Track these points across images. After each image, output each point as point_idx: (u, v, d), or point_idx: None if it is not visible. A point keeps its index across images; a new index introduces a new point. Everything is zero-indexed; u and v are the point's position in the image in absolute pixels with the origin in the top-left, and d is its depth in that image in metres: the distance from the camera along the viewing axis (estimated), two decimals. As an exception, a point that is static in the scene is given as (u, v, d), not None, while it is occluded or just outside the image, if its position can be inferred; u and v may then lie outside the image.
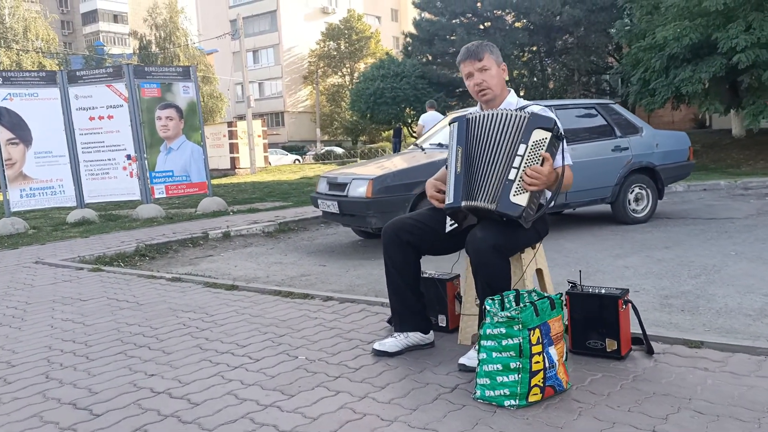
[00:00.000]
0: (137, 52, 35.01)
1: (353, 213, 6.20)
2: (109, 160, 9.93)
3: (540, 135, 2.52)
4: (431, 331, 2.94)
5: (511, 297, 2.38)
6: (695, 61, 13.34)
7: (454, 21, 21.52)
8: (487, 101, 2.82)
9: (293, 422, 2.18)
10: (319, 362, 2.81)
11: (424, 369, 2.65)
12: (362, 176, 6.22)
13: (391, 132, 27.08)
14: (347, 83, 48.07)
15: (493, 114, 2.64)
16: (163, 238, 7.20)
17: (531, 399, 2.17)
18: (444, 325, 3.16)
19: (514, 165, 2.52)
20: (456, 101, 22.22)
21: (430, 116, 12.03)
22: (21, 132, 9.43)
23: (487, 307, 2.24)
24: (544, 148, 2.52)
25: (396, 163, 6.53)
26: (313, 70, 48.02)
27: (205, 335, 3.34)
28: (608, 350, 2.60)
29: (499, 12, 21.27)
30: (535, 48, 22.19)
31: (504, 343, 2.17)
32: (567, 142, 2.72)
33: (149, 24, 35.37)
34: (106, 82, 9.74)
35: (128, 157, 9.94)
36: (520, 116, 2.57)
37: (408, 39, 22.82)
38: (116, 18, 61.06)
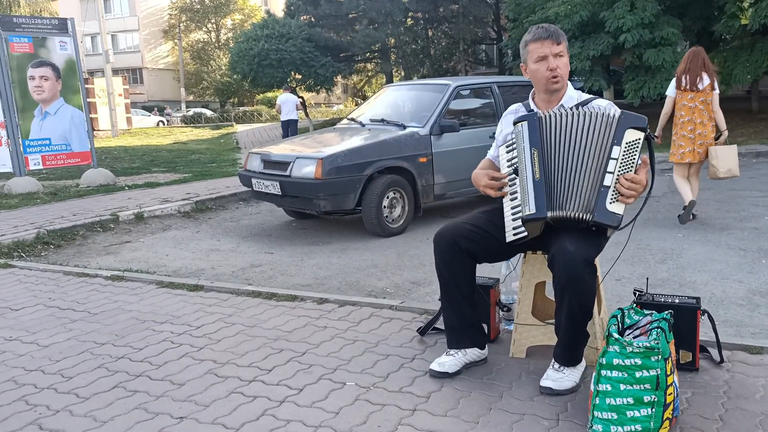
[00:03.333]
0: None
1: (298, 195, 5.72)
2: (-28, 125, 8.44)
3: (633, 135, 2.30)
4: (486, 345, 2.70)
5: (619, 319, 2.19)
6: (582, 38, 14.00)
7: (339, -20, 20.89)
8: (555, 91, 2.56)
9: (411, 481, 1.86)
10: (376, 389, 2.46)
11: (502, 393, 2.40)
12: (308, 155, 5.74)
13: (271, 95, 25.88)
14: (213, 40, 45.33)
15: (575, 113, 2.37)
16: (63, 221, 6.22)
17: (661, 432, 2.01)
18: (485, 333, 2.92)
19: (608, 170, 2.29)
20: (344, 65, 21.71)
21: (285, 97, 15.43)
22: None
23: (614, 335, 2.03)
24: (638, 149, 2.32)
25: (343, 141, 6.10)
26: (174, 24, 44.62)
27: (208, 356, 2.83)
28: (682, 362, 2.52)
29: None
30: (419, 15, 22.17)
31: (638, 375, 1.98)
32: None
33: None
34: (-36, 33, 8.19)
35: (-4, 122, 8.51)
36: (610, 114, 2.34)
37: (291, -3, 21.82)
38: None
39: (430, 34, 23.78)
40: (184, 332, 3.15)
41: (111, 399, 2.43)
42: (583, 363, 2.48)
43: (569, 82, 2.66)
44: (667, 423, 2.02)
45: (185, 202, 7.24)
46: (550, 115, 2.41)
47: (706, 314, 2.55)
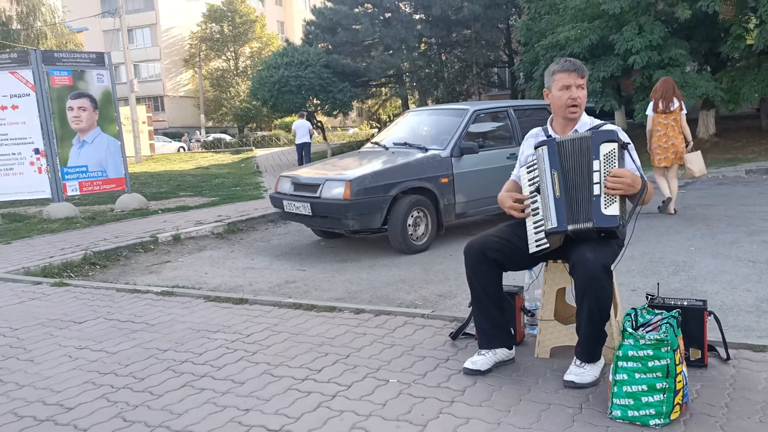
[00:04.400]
0: (-6, 28, 31.37)
1: (328, 215, 6.06)
2: (14, 154, 8.95)
3: (607, 147, 2.65)
4: (513, 347, 2.99)
5: (632, 317, 2.48)
6: (593, 61, 14.34)
7: (356, 10, 21.45)
8: (572, 119, 2.88)
9: (454, 457, 2.15)
10: (417, 385, 2.76)
11: (530, 387, 2.69)
12: (337, 178, 6.09)
13: (289, 120, 26.49)
14: (232, 67, 46.33)
15: (574, 138, 2.73)
16: (106, 243, 6.61)
17: (673, 416, 2.28)
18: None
19: (594, 181, 2.63)
20: (360, 90, 22.24)
21: (300, 123, 17.33)
22: None
23: (629, 330, 2.32)
24: (615, 157, 2.64)
25: (369, 163, 6.45)
26: (195, 53, 45.74)
27: (262, 359, 3.15)
28: (692, 359, 2.79)
29: (402, 4, 21.50)
30: (433, 40, 22.68)
31: (650, 364, 2.26)
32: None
33: (9, -3, 31.79)
34: (9, 69, 8.73)
35: (36, 151, 9.00)
36: (586, 136, 2.69)
37: (310, 27, 22.43)
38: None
39: (443, 58, 24.27)
40: (236, 339, 3.48)
41: (182, 396, 2.75)
42: (602, 360, 2.76)
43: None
44: (677, 408, 2.29)
45: (218, 224, 7.62)
46: (565, 140, 2.74)
47: (712, 315, 2.83)
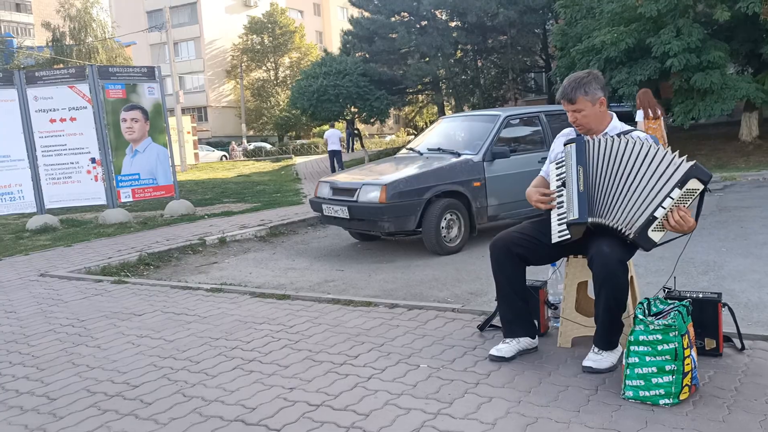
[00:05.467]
0: (50, 44, 32.89)
1: (365, 218, 6.35)
2: (72, 163, 9.51)
3: (695, 185, 2.68)
4: (536, 337, 3.20)
5: (644, 306, 2.66)
6: (629, 64, 14.32)
7: (392, 19, 21.83)
8: (584, 133, 3.08)
9: (477, 428, 2.38)
10: (445, 369, 3.00)
11: (551, 372, 2.89)
12: (373, 182, 6.37)
13: (325, 128, 27.09)
14: (272, 77, 47.33)
15: (622, 140, 2.83)
16: (159, 246, 7.04)
17: (682, 397, 2.46)
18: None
19: (663, 205, 2.69)
20: (397, 97, 22.61)
21: (331, 132, 18.97)
22: (-24, 135, 8.87)
23: (639, 316, 2.52)
24: (693, 197, 2.71)
25: (404, 168, 6.72)
26: (236, 64, 46.94)
27: (304, 347, 3.43)
28: (707, 348, 2.95)
29: (438, 11, 21.77)
30: (469, 47, 22.87)
31: (660, 348, 2.45)
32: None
33: (62, 15, 33.34)
34: (68, 83, 9.31)
35: (93, 160, 9.55)
36: (676, 159, 2.71)
37: (348, 36, 22.91)
38: (18, 7, 56.91)
39: (479, 64, 24.41)
40: (280, 330, 3.77)
41: (233, 376, 3.06)
42: (620, 348, 2.94)
43: (612, 113, 3.17)
44: (686, 389, 2.47)
45: (261, 227, 7.99)
46: (594, 140, 2.94)
47: (726, 307, 2.98)
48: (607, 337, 2.90)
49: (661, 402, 2.45)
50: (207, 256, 6.92)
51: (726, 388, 2.60)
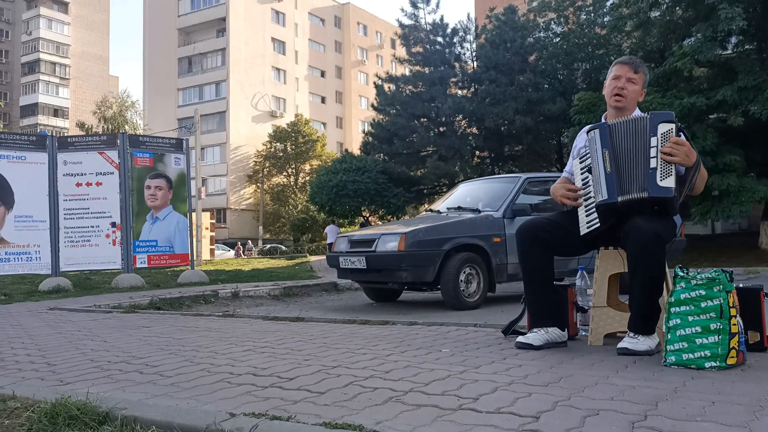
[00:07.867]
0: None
1: (382, 268, 6.24)
2: (92, 227, 9.60)
3: (665, 127, 2.79)
4: (566, 329, 3.01)
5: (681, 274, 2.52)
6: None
7: (412, 122, 22.72)
8: (616, 108, 3.07)
9: (506, 380, 2.19)
10: (468, 351, 2.81)
11: (583, 354, 2.70)
12: (392, 232, 6.33)
13: (342, 230, 27.40)
14: (292, 183, 48.65)
15: (628, 120, 2.90)
16: (171, 295, 6.93)
17: (729, 362, 2.26)
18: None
19: (651, 155, 2.76)
20: (414, 195, 23.03)
21: (331, 228, 21.60)
22: (3, 194, 9.07)
23: (680, 274, 2.37)
24: (673, 135, 2.77)
25: (422, 222, 6.69)
26: (259, 169, 48.50)
27: (322, 343, 3.26)
28: (751, 342, 2.74)
29: (456, 117, 22.67)
30: (485, 153, 23.54)
31: (703, 305, 2.29)
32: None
33: (98, 116, 35.23)
34: (98, 149, 9.63)
35: (113, 224, 9.65)
36: (644, 117, 2.87)
37: (368, 137, 23.78)
38: (56, 112, 60.43)
39: (496, 170, 24.97)
40: (297, 338, 3.60)
41: (246, 356, 2.89)
42: (656, 336, 2.75)
43: (637, 109, 3.19)
44: (733, 353, 2.28)
45: (274, 287, 7.88)
46: (615, 123, 2.94)
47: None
48: (642, 321, 2.71)
49: (707, 365, 2.26)
50: (219, 306, 6.77)
51: (775, 364, 2.39)
